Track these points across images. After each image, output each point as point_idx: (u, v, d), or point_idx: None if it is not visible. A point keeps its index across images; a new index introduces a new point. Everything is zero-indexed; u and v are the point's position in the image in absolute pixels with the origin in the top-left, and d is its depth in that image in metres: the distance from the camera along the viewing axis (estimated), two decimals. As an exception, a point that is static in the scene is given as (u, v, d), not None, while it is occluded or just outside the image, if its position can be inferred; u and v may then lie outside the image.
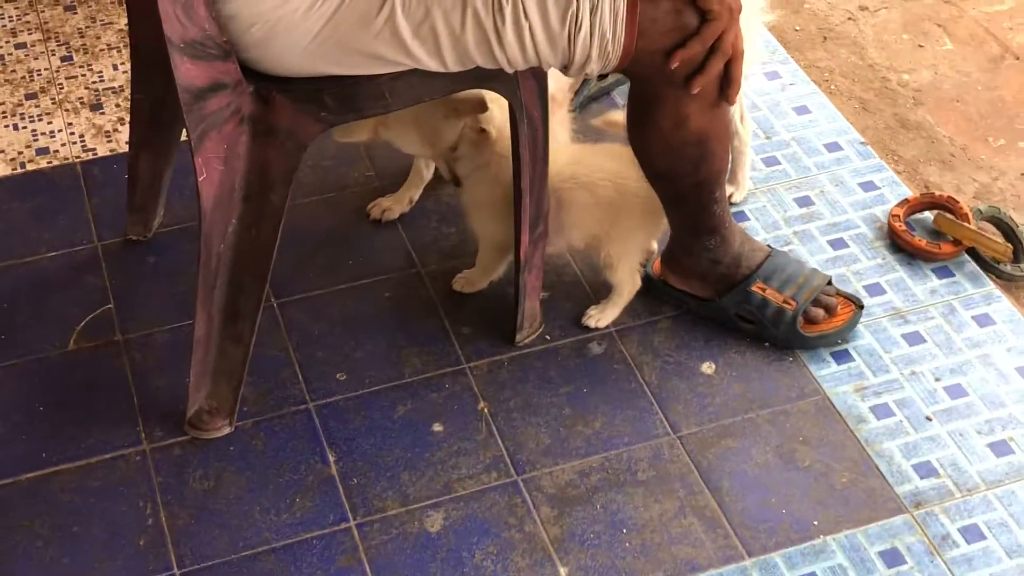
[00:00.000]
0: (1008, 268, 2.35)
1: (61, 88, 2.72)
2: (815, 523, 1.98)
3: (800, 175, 2.54)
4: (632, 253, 2.21)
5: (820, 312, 2.21)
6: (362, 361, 2.20)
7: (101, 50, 2.81)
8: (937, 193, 2.46)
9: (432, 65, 1.85)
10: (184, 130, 1.86)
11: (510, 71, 1.88)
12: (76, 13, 2.90)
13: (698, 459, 2.07)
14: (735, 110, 2.33)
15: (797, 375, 2.19)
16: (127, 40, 2.60)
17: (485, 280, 2.29)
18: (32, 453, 2.07)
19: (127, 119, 2.42)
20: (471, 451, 2.08)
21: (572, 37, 1.82)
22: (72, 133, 2.62)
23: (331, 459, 2.06)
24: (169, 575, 1.92)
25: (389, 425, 2.11)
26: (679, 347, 2.23)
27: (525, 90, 1.98)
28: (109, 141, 2.61)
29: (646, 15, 1.83)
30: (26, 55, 2.80)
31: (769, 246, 2.27)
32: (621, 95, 2.64)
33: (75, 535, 1.97)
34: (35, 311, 2.29)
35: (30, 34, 2.85)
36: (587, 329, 2.25)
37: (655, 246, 2.29)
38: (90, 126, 2.64)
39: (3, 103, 2.69)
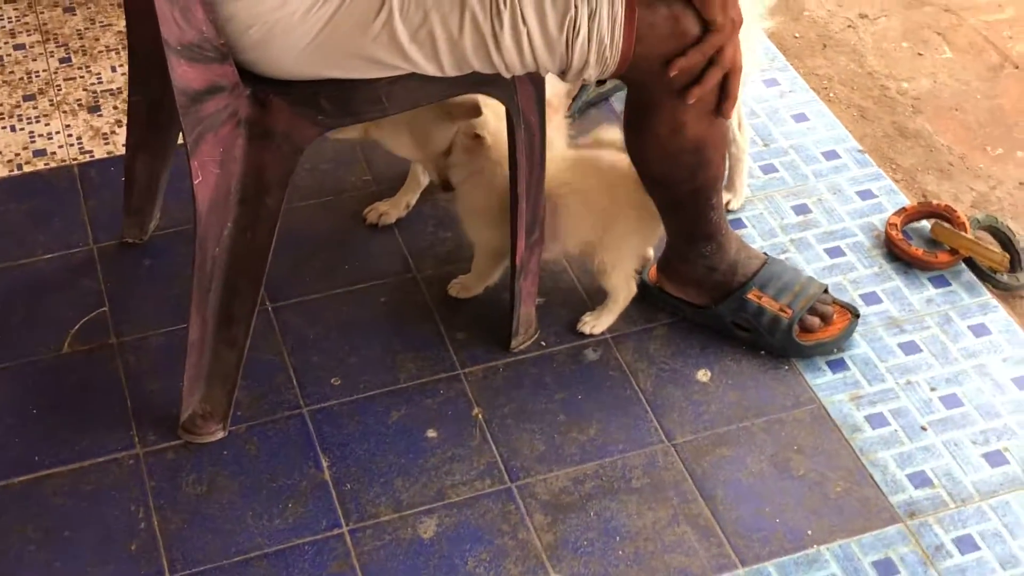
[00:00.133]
0: (1005, 278, 2.35)
1: (59, 90, 2.72)
2: (809, 532, 1.98)
3: (798, 183, 2.54)
4: (626, 260, 2.20)
5: (816, 320, 2.21)
6: (357, 366, 2.20)
7: (100, 52, 2.81)
8: (935, 202, 2.46)
9: (429, 69, 1.85)
10: (181, 133, 1.85)
11: (507, 76, 1.87)
12: (75, 15, 2.90)
13: (692, 467, 2.06)
14: (733, 117, 2.33)
15: (792, 384, 2.18)
16: (126, 42, 2.60)
17: (481, 286, 2.28)
18: (25, 456, 2.07)
19: (125, 121, 2.42)
20: (465, 457, 2.07)
21: (570, 42, 1.82)
22: (70, 135, 2.62)
23: (324, 464, 2.06)
24: (161, 579, 1.92)
25: (383, 430, 2.11)
26: (674, 354, 2.22)
27: (522, 95, 1.97)
28: (106, 143, 2.60)
29: (644, 21, 1.83)
30: (24, 56, 2.80)
31: (765, 254, 2.26)
32: (619, 101, 2.64)
33: (67, 539, 1.97)
34: (30, 313, 2.28)
35: (29, 35, 2.85)
36: (583, 335, 2.24)
37: (651, 253, 2.29)
38: (88, 128, 2.64)
39: (1, 104, 2.69)
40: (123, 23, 2.82)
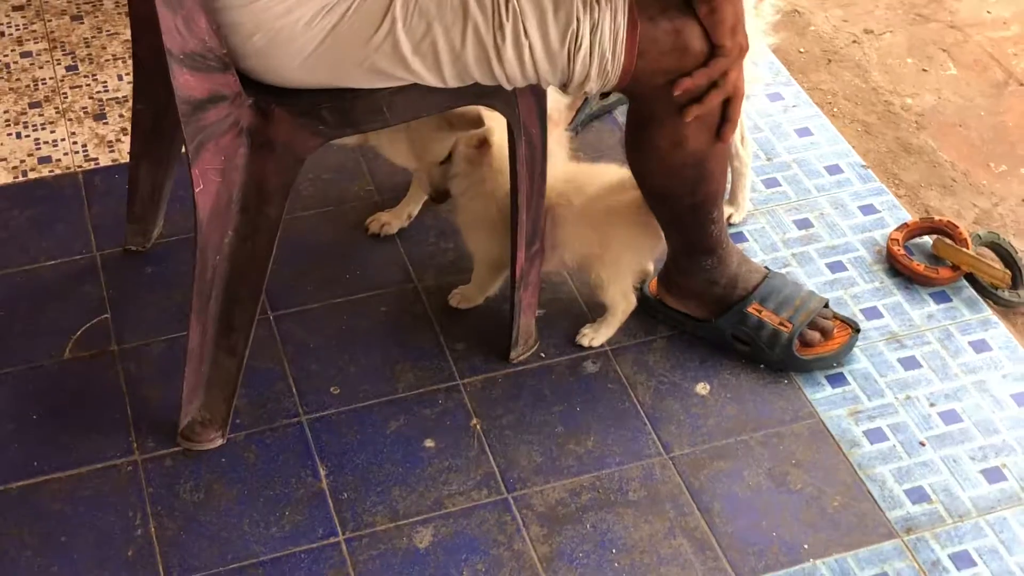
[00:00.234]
0: (1006, 294, 2.35)
1: (65, 97, 2.73)
2: (805, 547, 1.98)
3: (800, 197, 2.54)
4: (623, 276, 2.20)
5: (816, 335, 2.21)
6: (356, 375, 2.20)
7: (106, 60, 2.82)
8: (937, 218, 2.46)
9: (431, 80, 1.85)
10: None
11: (509, 88, 1.88)
12: (83, 23, 2.91)
13: (690, 480, 2.06)
14: (736, 132, 2.33)
15: (791, 398, 2.18)
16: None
17: (481, 296, 2.29)
18: (23, 461, 2.07)
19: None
20: (462, 468, 2.07)
21: (572, 56, 1.82)
22: (75, 142, 2.63)
23: (322, 473, 2.06)
24: (157, 586, 1.93)
25: (381, 440, 2.11)
26: (674, 367, 2.23)
27: (523, 107, 1.98)
28: (111, 151, 2.61)
29: (646, 36, 1.83)
30: (31, 64, 2.81)
31: (766, 268, 2.26)
32: (622, 114, 2.64)
33: (64, 544, 1.97)
34: (32, 319, 2.29)
35: (36, 43, 2.86)
36: (582, 347, 2.24)
37: (651, 267, 2.29)
38: (93, 136, 2.65)
39: (7, 111, 2.70)
40: (130, 32, 2.83)
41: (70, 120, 2.68)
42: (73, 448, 2.09)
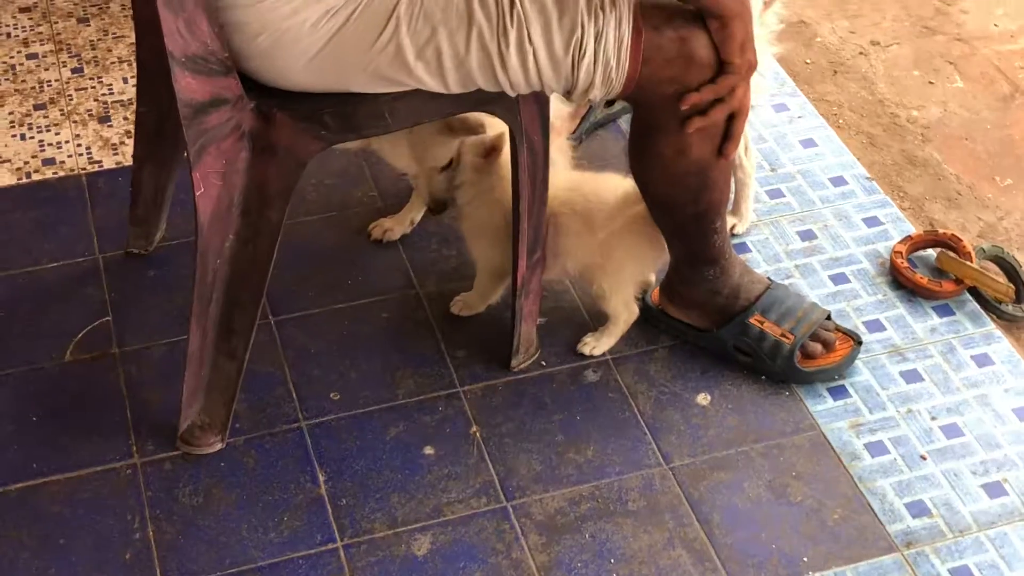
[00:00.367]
0: (1010, 308, 2.34)
1: (70, 99, 2.73)
2: (804, 559, 1.97)
3: (804, 208, 2.53)
4: (625, 286, 2.19)
5: (818, 347, 2.20)
6: (356, 381, 2.20)
7: (112, 63, 2.82)
8: (941, 231, 2.45)
9: (434, 86, 1.85)
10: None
11: (512, 95, 1.88)
12: (89, 25, 2.92)
13: (689, 491, 2.05)
14: (740, 143, 2.32)
15: (792, 409, 2.17)
16: (137, 54, 2.61)
17: (482, 304, 2.28)
18: (23, 463, 2.07)
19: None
20: (461, 475, 2.07)
21: (576, 63, 1.82)
22: (79, 145, 2.63)
23: (321, 479, 2.06)
24: (154, 590, 1.93)
25: (380, 446, 2.10)
26: (675, 377, 2.22)
27: (526, 114, 1.97)
28: (115, 154, 2.61)
29: (651, 44, 1.83)
30: (37, 66, 2.81)
31: (769, 279, 2.26)
32: (627, 122, 2.63)
33: (62, 547, 1.97)
34: (33, 321, 2.29)
35: (42, 45, 2.86)
36: (583, 356, 2.24)
37: (652, 277, 2.28)
38: (97, 138, 2.65)
39: (12, 113, 2.70)
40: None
41: (75, 122, 2.68)
42: (73, 450, 2.09)
